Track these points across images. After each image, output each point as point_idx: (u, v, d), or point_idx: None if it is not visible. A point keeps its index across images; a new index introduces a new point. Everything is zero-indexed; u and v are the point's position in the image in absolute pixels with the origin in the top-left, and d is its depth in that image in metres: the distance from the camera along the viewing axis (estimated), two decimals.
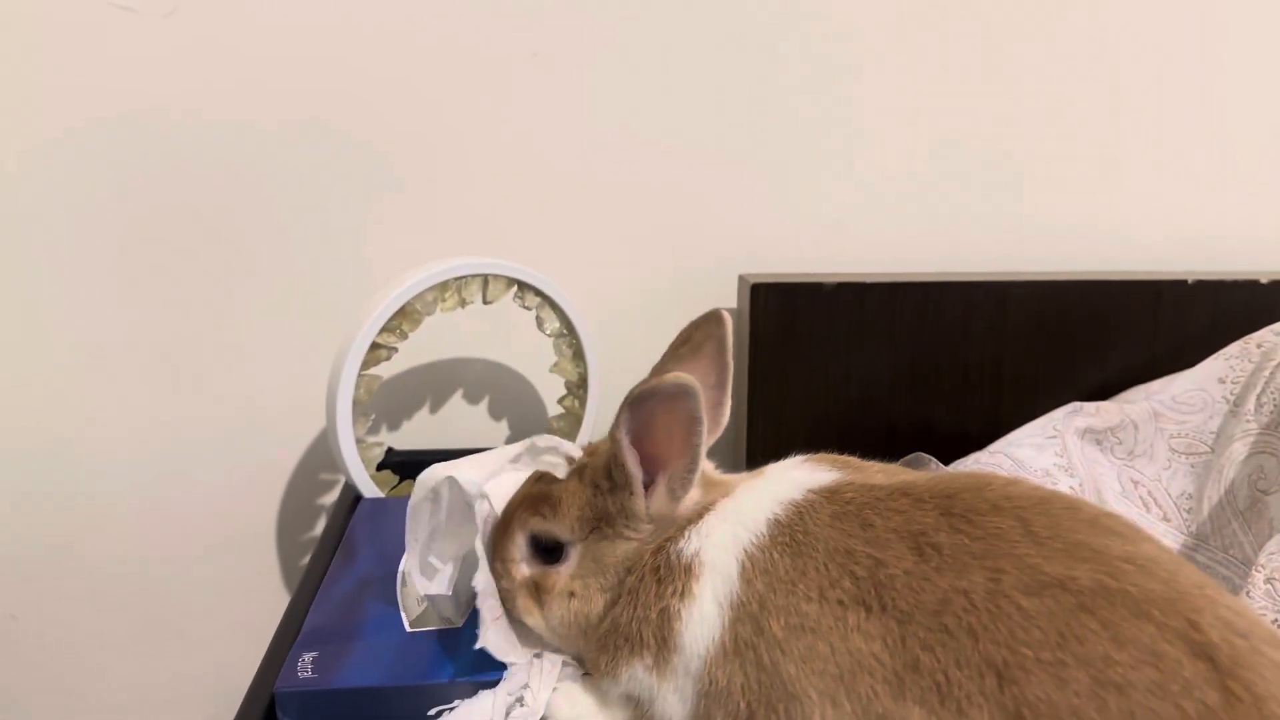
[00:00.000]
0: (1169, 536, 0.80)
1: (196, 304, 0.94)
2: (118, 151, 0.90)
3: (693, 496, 0.53)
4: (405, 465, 0.89)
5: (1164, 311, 0.95)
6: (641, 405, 0.50)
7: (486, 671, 0.55)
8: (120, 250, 0.92)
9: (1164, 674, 0.36)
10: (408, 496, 0.84)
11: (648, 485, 0.52)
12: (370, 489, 0.83)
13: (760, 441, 0.93)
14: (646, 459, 0.52)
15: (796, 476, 0.52)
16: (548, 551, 0.55)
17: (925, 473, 0.52)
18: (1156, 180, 1.02)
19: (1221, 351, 0.87)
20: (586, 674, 0.56)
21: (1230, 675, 0.36)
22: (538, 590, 0.55)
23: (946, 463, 0.85)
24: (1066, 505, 0.44)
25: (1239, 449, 0.79)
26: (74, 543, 0.98)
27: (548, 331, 0.88)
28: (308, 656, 0.55)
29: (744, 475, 0.57)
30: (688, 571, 0.49)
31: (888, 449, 0.60)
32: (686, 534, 0.51)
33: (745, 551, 0.48)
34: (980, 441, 0.87)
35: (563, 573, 0.55)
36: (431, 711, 0.54)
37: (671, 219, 0.98)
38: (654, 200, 0.97)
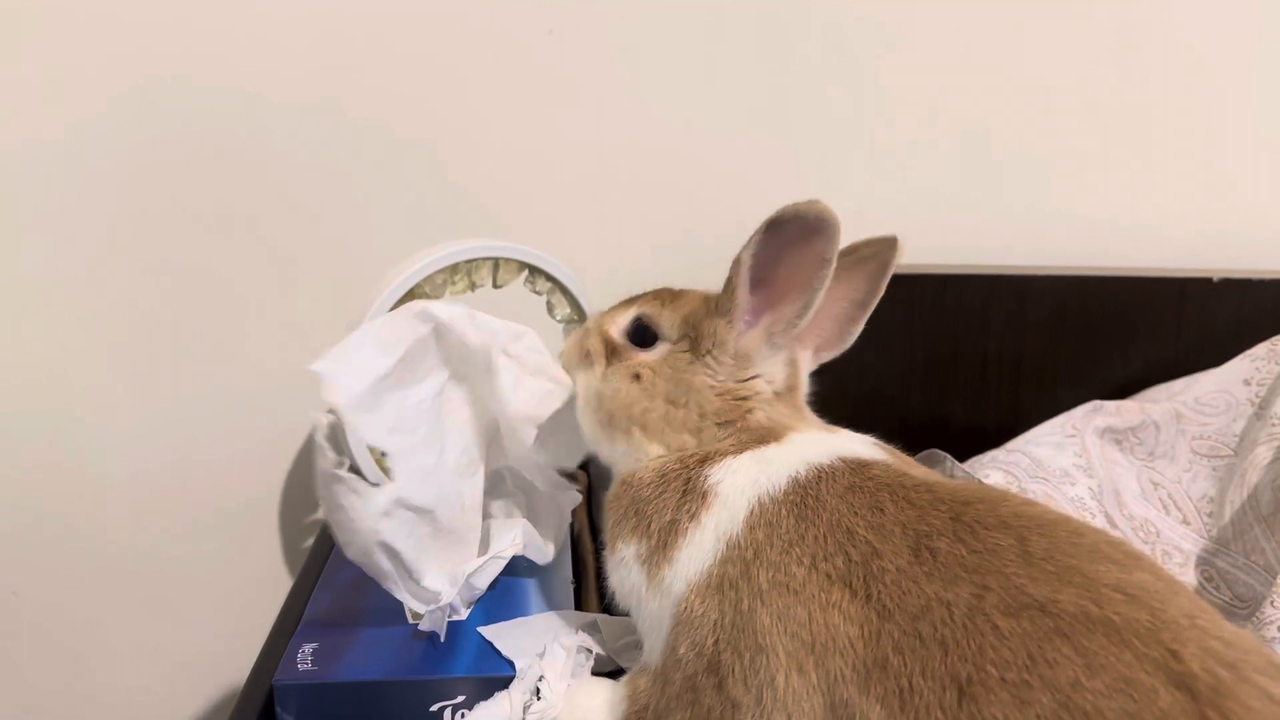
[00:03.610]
0: (1188, 540, 0.79)
1: (201, 279, 0.93)
2: (122, 124, 0.88)
3: (777, 413, 0.54)
4: None
5: (1188, 310, 0.93)
6: (778, 230, 0.49)
7: (492, 666, 0.54)
8: (122, 223, 0.91)
9: (1138, 703, 0.35)
10: None
11: (752, 324, 0.53)
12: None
13: None
14: (760, 294, 0.52)
15: (839, 444, 0.52)
16: (642, 338, 0.57)
17: (957, 480, 0.52)
18: (1183, 176, 1.00)
19: (1248, 352, 0.85)
20: (595, 671, 0.55)
21: (1210, 705, 0.35)
22: (612, 354, 0.57)
23: (962, 460, 0.83)
24: (1071, 530, 0.43)
25: (1263, 453, 0.77)
26: (73, 520, 0.97)
27: (558, 318, 0.86)
28: (308, 648, 0.54)
29: (818, 427, 0.57)
30: (703, 498, 0.50)
31: (900, 444, 0.59)
32: (725, 463, 0.51)
33: (759, 499, 0.48)
34: (997, 438, 0.86)
35: (642, 357, 0.56)
36: (434, 707, 0.52)
37: (688, 207, 0.96)
38: (670, 187, 0.95)
